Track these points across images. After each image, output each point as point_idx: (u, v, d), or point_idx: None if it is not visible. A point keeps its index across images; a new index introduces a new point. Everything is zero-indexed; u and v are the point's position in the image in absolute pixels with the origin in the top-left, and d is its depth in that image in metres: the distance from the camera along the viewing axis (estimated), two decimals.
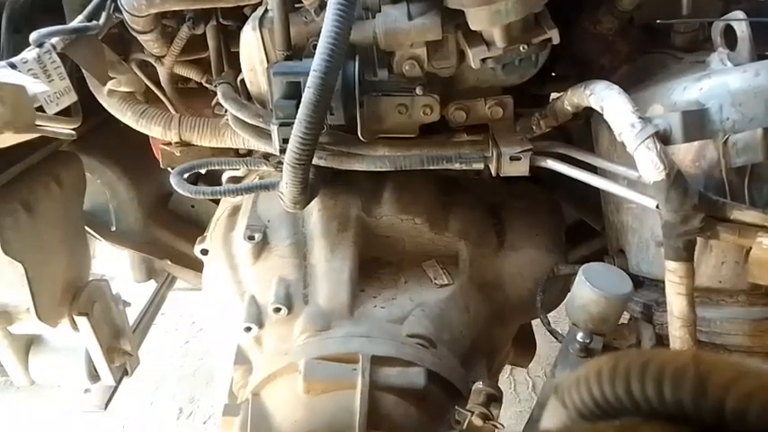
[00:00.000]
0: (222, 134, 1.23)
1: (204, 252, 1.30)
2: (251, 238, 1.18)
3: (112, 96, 1.25)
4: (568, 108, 1.04)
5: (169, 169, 1.32)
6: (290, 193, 1.00)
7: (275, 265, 1.17)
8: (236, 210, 1.31)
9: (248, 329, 1.11)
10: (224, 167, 1.28)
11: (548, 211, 1.37)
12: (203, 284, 1.32)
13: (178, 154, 1.30)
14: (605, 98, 0.94)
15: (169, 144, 1.29)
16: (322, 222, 1.18)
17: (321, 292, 1.13)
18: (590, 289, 0.95)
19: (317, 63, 0.85)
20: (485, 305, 1.22)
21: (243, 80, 1.16)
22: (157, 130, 1.24)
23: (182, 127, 1.24)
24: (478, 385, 0.97)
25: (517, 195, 1.37)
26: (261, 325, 1.12)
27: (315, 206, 1.20)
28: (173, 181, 1.15)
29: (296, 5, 1.05)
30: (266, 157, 1.24)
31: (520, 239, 1.29)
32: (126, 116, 1.25)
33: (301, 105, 0.88)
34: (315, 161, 1.08)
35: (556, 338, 1.20)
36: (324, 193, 1.20)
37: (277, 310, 1.10)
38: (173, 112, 1.36)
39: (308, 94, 0.87)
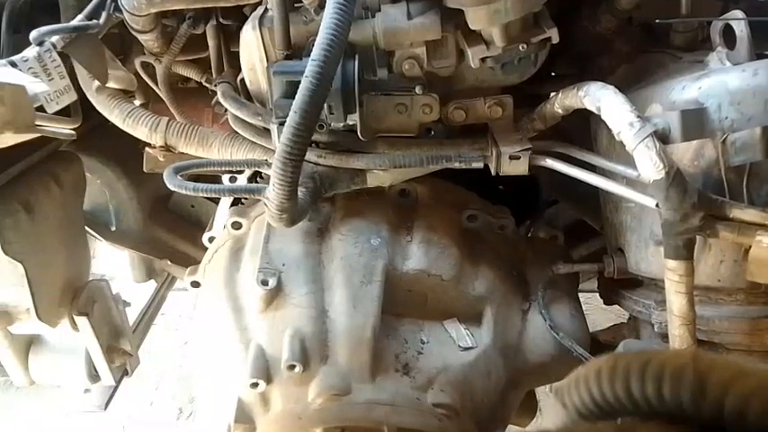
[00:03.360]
0: (209, 144, 1.18)
1: (195, 284, 1.24)
2: (264, 282, 1.07)
3: (101, 93, 1.21)
4: (559, 111, 1.03)
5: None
6: (276, 198, 0.90)
7: (289, 315, 1.07)
8: (238, 243, 1.22)
9: (255, 385, 1.02)
10: (224, 168, 1.27)
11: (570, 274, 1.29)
12: (196, 312, 1.24)
13: (161, 159, 1.26)
14: (602, 98, 0.94)
15: (153, 147, 1.23)
16: (345, 273, 1.09)
17: (341, 350, 1.04)
18: None
19: (315, 54, 0.83)
20: (505, 370, 1.14)
21: (243, 79, 1.15)
22: (143, 132, 1.20)
23: (168, 131, 1.18)
24: None
25: (539, 253, 1.30)
26: (269, 381, 1.02)
27: (337, 253, 1.12)
28: (165, 173, 1.08)
29: (296, 5, 1.05)
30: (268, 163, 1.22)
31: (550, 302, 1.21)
32: (113, 114, 1.20)
33: (297, 95, 0.84)
34: (314, 159, 1.08)
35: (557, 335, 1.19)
36: (346, 239, 1.13)
37: (291, 367, 1.01)
38: (172, 110, 1.36)
39: (304, 84, 0.83)
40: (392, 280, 1.11)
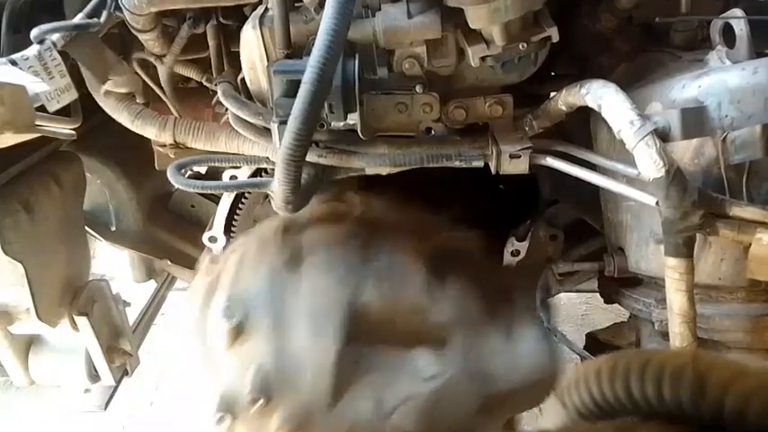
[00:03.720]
0: (217, 138, 1.21)
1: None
2: (230, 317, 1.08)
3: (109, 97, 1.23)
4: (563, 108, 1.04)
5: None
6: (282, 193, 0.96)
7: (254, 349, 1.07)
8: (213, 283, 1.21)
9: (220, 420, 1.02)
10: (225, 164, 1.27)
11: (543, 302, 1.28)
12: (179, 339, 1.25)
13: (172, 156, 1.28)
14: (603, 96, 0.94)
15: (164, 145, 1.26)
16: (309, 303, 1.09)
17: (303, 380, 1.04)
18: None
19: (313, 57, 0.84)
20: (476, 398, 1.11)
21: (243, 79, 1.15)
22: (152, 132, 1.22)
23: (176, 129, 1.21)
24: None
25: (517, 276, 1.28)
26: (235, 416, 1.02)
27: (302, 283, 1.12)
28: (169, 171, 1.11)
29: (296, 4, 1.05)
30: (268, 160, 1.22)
31: (521, 327, 1.17)
32: (122, 116, 1.23)
33: (296, 100, 0.86)
34: (315, 159, 1.08)
35: (555, 335, 1.19)
36: (310, 272, 1.13)
37: (253, 401, 1.01)
38: (173, 111, 1.36)
39: (303, 89, 0.85)
40: (357, 308, 1.09)
